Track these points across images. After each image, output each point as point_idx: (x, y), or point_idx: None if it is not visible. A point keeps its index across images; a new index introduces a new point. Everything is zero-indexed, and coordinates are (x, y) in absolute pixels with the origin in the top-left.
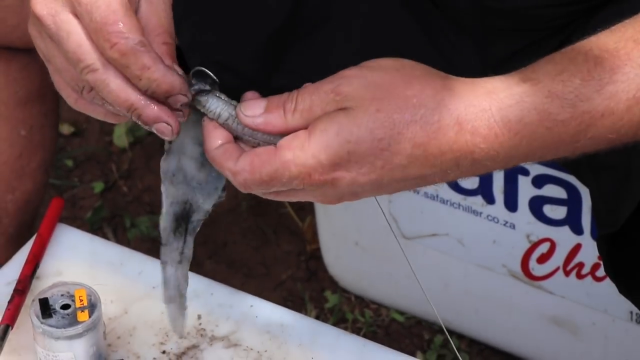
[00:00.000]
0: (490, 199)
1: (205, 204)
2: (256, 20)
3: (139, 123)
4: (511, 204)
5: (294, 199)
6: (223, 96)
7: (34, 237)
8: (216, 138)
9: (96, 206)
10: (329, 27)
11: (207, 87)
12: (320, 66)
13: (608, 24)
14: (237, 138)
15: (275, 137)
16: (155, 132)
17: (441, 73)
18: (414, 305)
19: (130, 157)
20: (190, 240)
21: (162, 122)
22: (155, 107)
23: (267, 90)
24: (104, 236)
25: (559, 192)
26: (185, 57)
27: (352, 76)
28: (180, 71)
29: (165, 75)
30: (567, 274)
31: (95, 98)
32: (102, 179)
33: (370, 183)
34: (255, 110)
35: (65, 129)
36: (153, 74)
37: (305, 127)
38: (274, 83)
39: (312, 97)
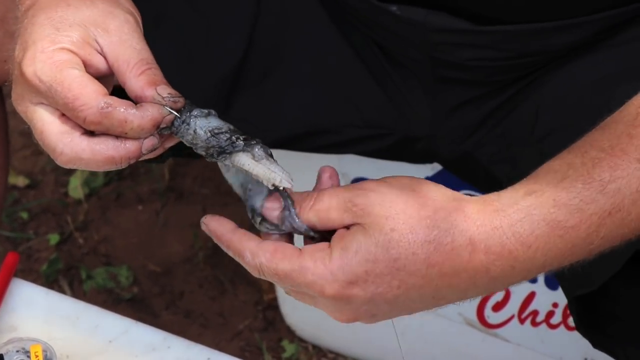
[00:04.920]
0: None
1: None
2: (206, 64)
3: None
4: None
5: (307, 303)
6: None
7: None
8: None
9: (52, 258)
10: (279, 75)
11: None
12: (270, 114)
13: (558, 91)
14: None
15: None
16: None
17: (456, 194)
18: (370, 354)
19: (85, 209)
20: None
21: (152, 147)
22: (138, 145)
23: None
24: (60, 288)
25: None
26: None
27: (370, 189)
28: (165, 92)
29: (143, 117)
30: (522, 321)
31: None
32: (58, 231)
33: (386, 303)
34: (275, 205)
35: (20, 181)
36: (133, 124)
37: (318, 227)
38: None
39: (330, 199)
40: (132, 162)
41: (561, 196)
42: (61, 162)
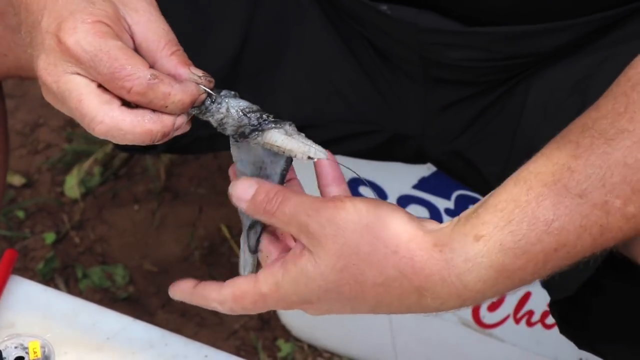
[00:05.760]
0: None
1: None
2: (201, 59)
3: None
4: None
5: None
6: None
7: None
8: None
9: (48, 257)
10: (273, 70)
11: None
12: (265, 109)
13: (544, 93)
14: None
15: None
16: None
17: (408, 231)
18: (365, 353)
19: (81, 208)
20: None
21: (181, 125)
22: (173, 120)
23: (210, 126)
24: (56, 287)
25: None
26: None
27: (328, 218)
28: (199, 72)
29: (185, 92)
30: (517, 321)
31: None
32: (54, 230)
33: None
34: (246, 192)
35: (17, 180)
36: (175, 97)
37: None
38: None
39: (294, 206)
40: (165, 139)
41: (507, 240)
42: (99, 131)
